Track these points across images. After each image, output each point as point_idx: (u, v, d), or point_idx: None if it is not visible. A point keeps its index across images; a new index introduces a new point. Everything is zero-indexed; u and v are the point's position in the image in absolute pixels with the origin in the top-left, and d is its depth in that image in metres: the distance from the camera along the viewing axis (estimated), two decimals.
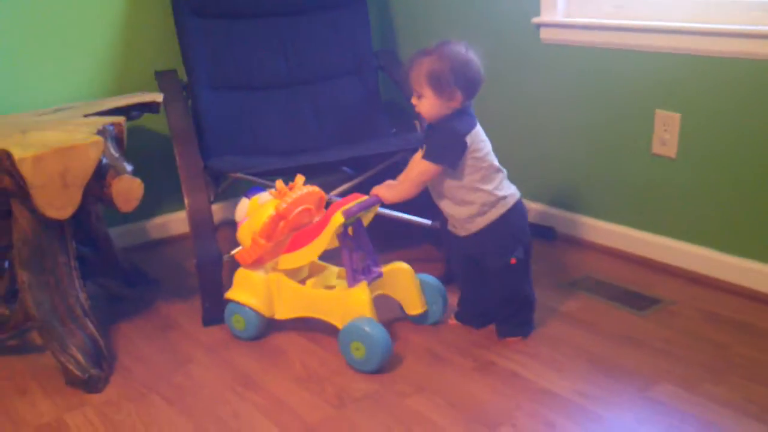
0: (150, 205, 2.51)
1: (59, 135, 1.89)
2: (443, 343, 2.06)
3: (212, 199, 2.30)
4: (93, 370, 1.90)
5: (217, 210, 2.84)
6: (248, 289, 2.09)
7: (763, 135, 2.17)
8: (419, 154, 1.94)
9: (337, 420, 1.75)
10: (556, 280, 2.43)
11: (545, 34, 2.64)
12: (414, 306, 2.10)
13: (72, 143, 1.80)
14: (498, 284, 2.01)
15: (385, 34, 3.27)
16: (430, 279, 2.14)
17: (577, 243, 2.73)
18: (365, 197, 1.99)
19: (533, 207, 2.86)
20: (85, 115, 2.15)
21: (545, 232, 2.77)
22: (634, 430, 1.68)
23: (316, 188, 2.10)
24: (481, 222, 1.93)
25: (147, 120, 2.56)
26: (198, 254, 2.17)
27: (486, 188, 1.91)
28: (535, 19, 2.64)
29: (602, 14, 2.53)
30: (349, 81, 2.79)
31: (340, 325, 1.95)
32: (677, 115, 2.35)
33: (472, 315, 2.13)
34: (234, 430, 1.72)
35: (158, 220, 2.90)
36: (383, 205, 2.04)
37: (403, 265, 2.09)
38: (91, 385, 1.89)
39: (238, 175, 2.28)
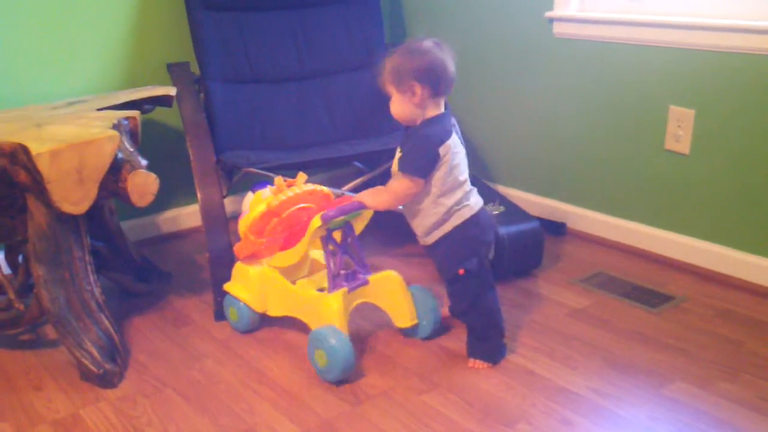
0: (161, 199, 2.50)
1: (75, 129, 1.88)
2: (456, 340, 2.05)
3: (225, 193, 2.30)
4: (108, 365, 1.90)
5: (229, 203, 2.83)
6: (243, 284, 2.09)
7: None
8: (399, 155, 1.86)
9: (352, 416, 1.75)
10: (568, 277, 2.43)
11: (558, 28, 2.64)
12: (402, 318, 2.02)
13: (88, 138, 1.80)
14: (451, 296, 1.95)
15: (396, 28, 3.26)
16: (423, 292, 2.04)
17: (589, 239, 2.72)
18: (350, 201, 1.92)
19: (545, 202, 2.86)
20: (99, 109, 2.15)
21: (556, 228, 2.77)
22: (648, 427, 1.68)
23: (320, 187, 2.02)
24: (437, 234, 1.87)
25: (158, 113, 2.55)
26: (210, 248, 2.17)
27: (447, 202, 1.83)
28: (549, 13, 2.64)
29: (617, 9, 2.52)
30: (360, 75, 2.78)
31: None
32: (691, 111, 2.34)
33: None
34: (250, 426, 1.73)
35: (169, 213, 2.90)
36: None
37: (392, 275, 2.00)
38: (107, 381, 1.89)
39: (251, 169, 2.27)
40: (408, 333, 2.06)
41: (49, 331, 2.16)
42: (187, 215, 2.92)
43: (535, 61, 2.75)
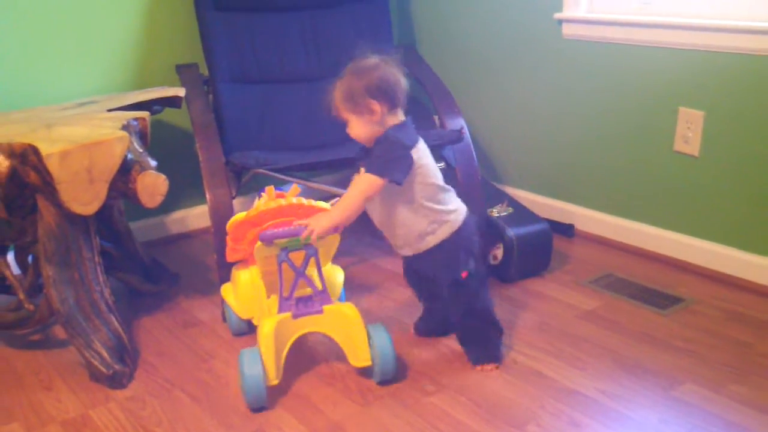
0: (170, 200, 2.51)
1: (85, 130, 1.89)
2: None
3: (234, 194, 2.30)
4: (117, 365, 1.90)
5: (238, 204, 2.84)
6: (233, 288, 2.09)
7: None
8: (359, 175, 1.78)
9: (361, 416, 1.75)
10: (576, 278, 2.43)
11: (567, 29, 2.63)
12: (355, 357, 1.86)
13: (98, 138, 1.80)
14: (453, 301, 1.90)
15: (404, 30, 3.26)
16: (380, 333, 1.86)
17: (597, 240, 2.72)
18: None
19: (553, 204, 2.86)
20: (108, 110, 2.16)
21: (565, 229, 2.76)
22: (658, 430, 1.67)
23: (312, 202, 1.93)
24: (432, 240, 1.83)
25: (167, 114, 2.56)
26: (218, 250, 2.17)
27: (433, 206, 1.80)
28: (558, 15, 2.63)
29: (626, 10, 2.51)
30: None
31: None
32: (701, 113, 2.33)
33: (429, 327, 2.08)
34: (258, 426, 1.73)
35: (178, 214, 2.90)
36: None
37: (348, 309, 1.85)
38: (116, 381, 1.89)
39: (260, 170, 2.27)
40: (363, 373, 1.92)
41: (59, 332, 2.17)
42: (196, 216, 2.93)
43: (544, 63, 2.75)
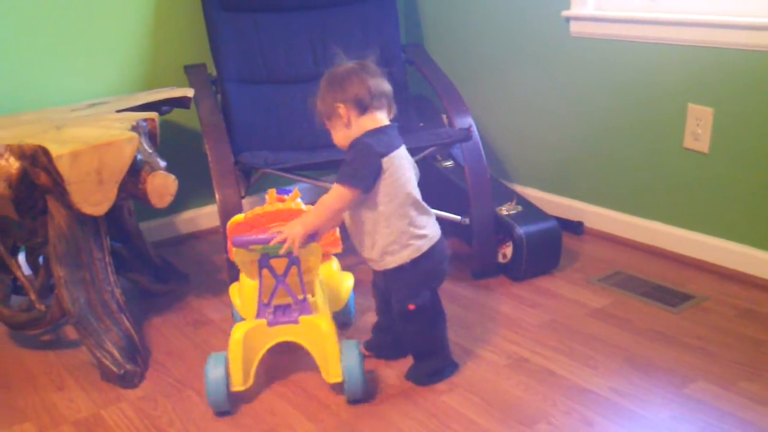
0: (179, 200, 2.51)
1: (94, 131, 1.89)
2: (476, 340, 2.05)
3: (243, 194, 2.30)
4: (128, 365, 1.91)
5: (247, 204, 2.84)
6: (240, 288, 2.08)
7: None
8: None
9: (372, 416, 1.75)
10: (586, 276, 2.42)
11: (575, 27, 2.62)
12: (326, 372, 1.80)
13: (108, 139, 1.81)
14: (403, 331, 1.87)
15: (412, 29, 3.26)
16: (352, 350, 1.78)
17: (607, 238, 2.71)
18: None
19: (562, 201, 2.85)
20: (118, 111, 2.16)
21: (574, 227, 2.76)
22: (670, 427, 1.67)
23: (309, 208, 1.84)
24: (391, 261, 1.76)
25: (176, 114, 2.56)
26: (228, 249, 2.17)
27: (399, 223, 1.73)
28: (565, 12, 2.63)
29: (634, 7, 2.50)
30: None
31: None
32: (710, 110, 2.32)
33: (382, 345, 1.98)
34: (270, 426, 1.73)
35: (187, 214, 2.91)
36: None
37: (322, 323, 1.78)
38: (127, 381, 1.90)
39: (269, 170, 2.28)
40: (336, 389, 1.86)
41: (70, 332, 2.18)
42: (205, 216, 2.93)
43: (552, 60, 2.74)
